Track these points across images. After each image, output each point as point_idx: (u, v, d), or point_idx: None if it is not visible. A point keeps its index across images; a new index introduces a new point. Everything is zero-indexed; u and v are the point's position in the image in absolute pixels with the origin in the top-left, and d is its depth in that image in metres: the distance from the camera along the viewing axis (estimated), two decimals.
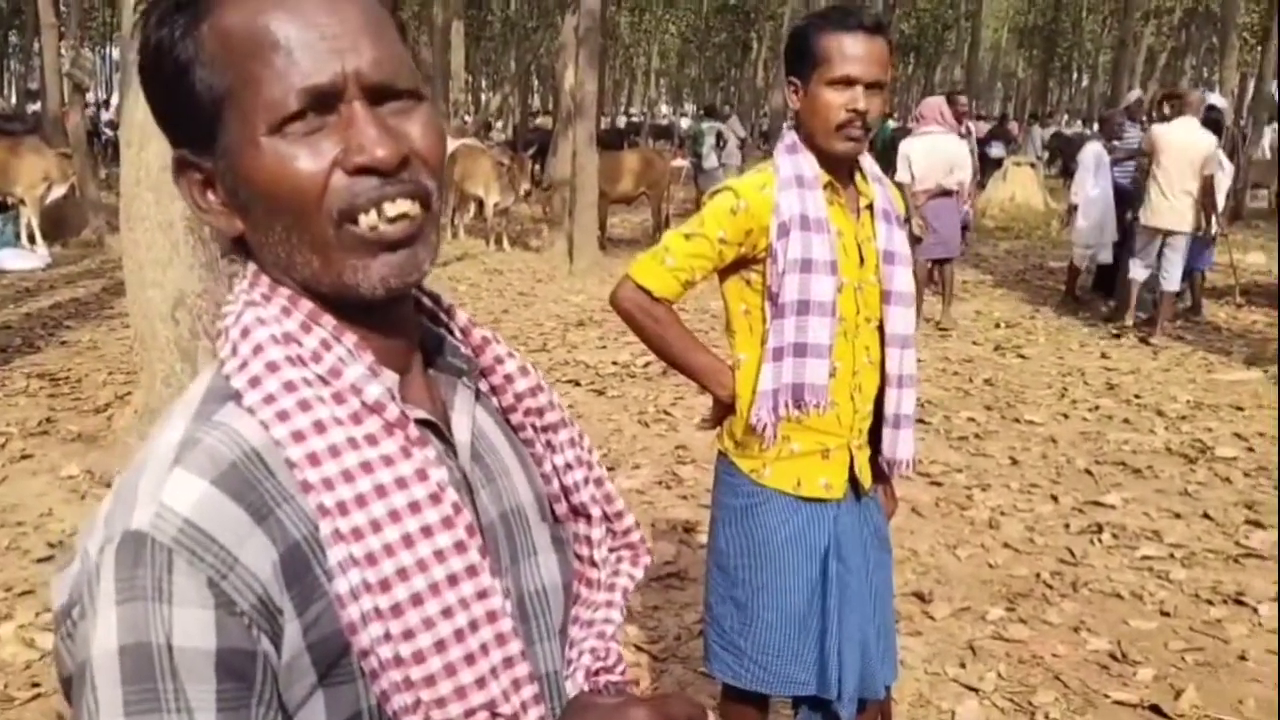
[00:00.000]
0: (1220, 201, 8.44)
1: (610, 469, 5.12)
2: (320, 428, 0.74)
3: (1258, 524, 4.59)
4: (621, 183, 12.96)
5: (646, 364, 6.91)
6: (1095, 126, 9.53)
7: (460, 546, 0.76)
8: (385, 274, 0.76)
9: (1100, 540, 4.39)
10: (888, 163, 20.58)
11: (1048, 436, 5.79)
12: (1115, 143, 9.40)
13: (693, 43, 44.48)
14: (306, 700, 0.72)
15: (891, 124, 21.74)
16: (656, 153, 16.48)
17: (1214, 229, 8.47)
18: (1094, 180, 9.12)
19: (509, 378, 0.92)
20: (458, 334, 0.90)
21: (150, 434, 0.78)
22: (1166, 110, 8.45)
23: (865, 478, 2.25)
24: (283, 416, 0.74)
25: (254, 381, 0.76)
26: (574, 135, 11.51)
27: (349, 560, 0.72)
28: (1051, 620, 3.70)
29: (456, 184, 13.11)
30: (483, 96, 34.34)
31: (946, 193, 8.06)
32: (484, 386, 0.92)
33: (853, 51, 2.04)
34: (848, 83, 2.04)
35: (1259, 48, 21.96)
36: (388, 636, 0.73)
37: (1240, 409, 6.39)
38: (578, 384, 6.70)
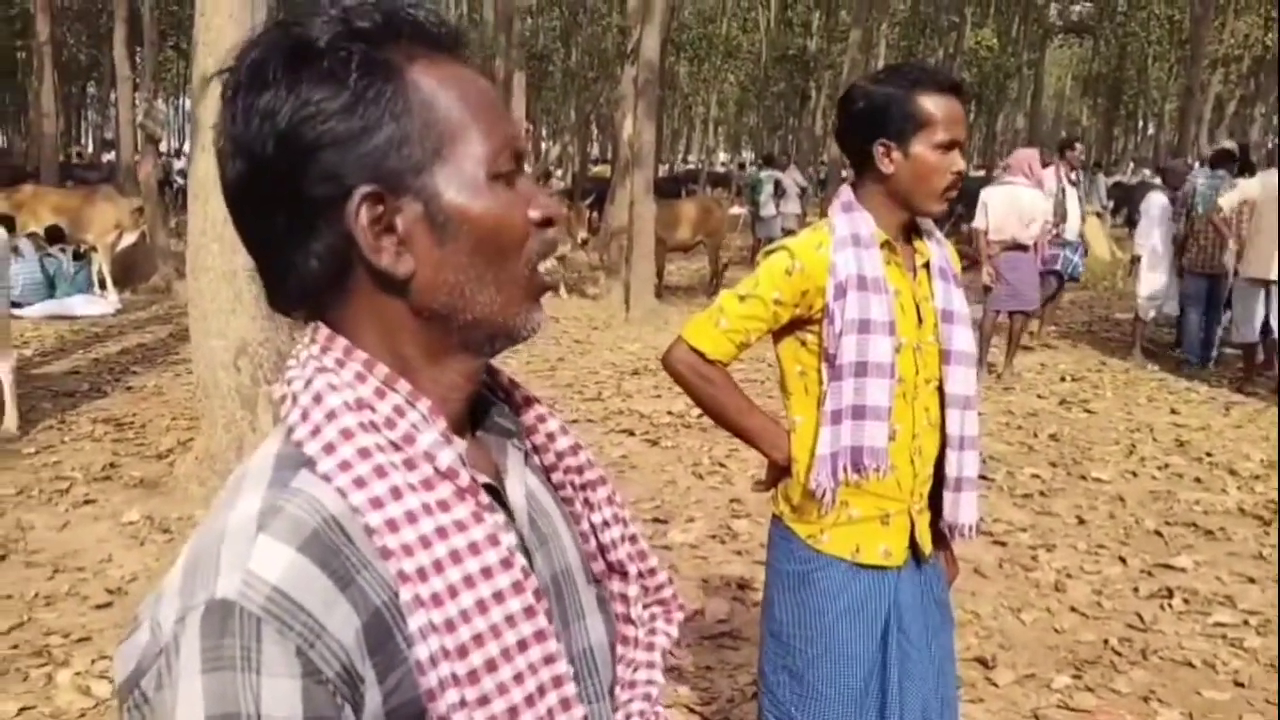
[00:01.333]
0: None
1: (663, 521, 5.07)
2: (396, 494, 0.76)
3: None
4: (679, 231, 12.99)
5: (701, 414, 6.84)
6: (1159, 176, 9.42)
7: (530, 611, 0.78)
8: (539, 320, 0.85)
9: (1171, 605, 4.24)
10: (949, 213, 20.31)
11: (1115, 495, 5.63)
12: (1178, 192, 9.23)
13: (751, 91, 44.68)
14: None
15: None
16: (715, 201, 16.54)
17: None
18: (1159, 231, 8.97)
19: (551, 436, 0.94)
20: (500, 393, 0.93)
21: (216, 505, 0.78)
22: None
23: (926, 543, 2.18)
24: (359, 483, 0.75)
25: (328, 448, 0.77)
26: (631, 184, 11.58)
27: (429, 627, 0.74)
28: (1120, 689, 3.56)
29: None
30: (543, 145, 34.80)
31: (1021, 246, 7.96)
32: (526, 445, 0.93)
33: (954, 114, 2.03)
34: (951, 146, 2.02)
35: None
36: (463, 703, 0.74)
37: None
38: (631, 434, 6.67)
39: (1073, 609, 4.19)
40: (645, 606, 0.98)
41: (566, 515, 0.93)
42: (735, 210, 17.90)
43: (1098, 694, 3.53)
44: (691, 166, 39.91)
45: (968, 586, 4.35)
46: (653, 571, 0.98)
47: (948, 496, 2.18)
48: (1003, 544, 4.87)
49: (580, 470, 0.95)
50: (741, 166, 32.28)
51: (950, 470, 2.16)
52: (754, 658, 2.95)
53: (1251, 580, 4.52)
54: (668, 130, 43.76)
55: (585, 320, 11.26)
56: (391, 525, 0.74)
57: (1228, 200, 8.35)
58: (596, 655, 0.90)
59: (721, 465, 5.98)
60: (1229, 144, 10.58)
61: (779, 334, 2.17)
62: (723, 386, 2.21)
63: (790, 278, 2.08)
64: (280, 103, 0.76)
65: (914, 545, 2.16)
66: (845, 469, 2.08)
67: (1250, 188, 8.25)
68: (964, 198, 8.70)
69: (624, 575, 0.96)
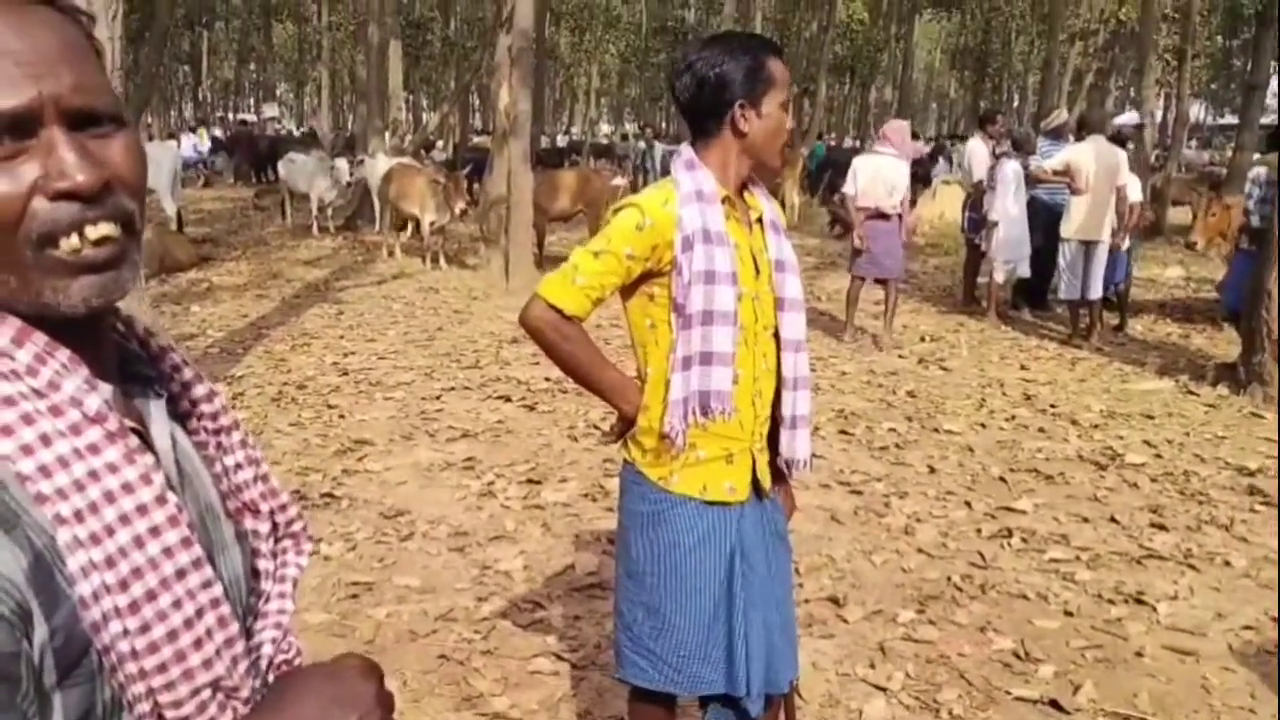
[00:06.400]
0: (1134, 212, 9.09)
1: (537, 482, 5.19)
2: (46, 440, 0.77)
3: (1161, 526, 4.79)
4: (558, 200, 13.04)
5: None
6: (1008, 145, 9.79)
7: (186, 542, 0.82)
8: (87, 294, 0.80)
9: (1010, 544, 4.55)
10: (820, 182, 20.74)
11: (965, 445, 5.97)
12: (1030, 159, 9.66)
13: (632, 63, 44.82)
14: (49, 698, 0.75)
15: (821, 146, 22.04)
16: (594, 171, 16.62)
17: (1128, 239, 9.03)
18: (1014, 198, 9.41)
19: (186, 385, 0.97)
20: (136, 344, 0.95)
21: None
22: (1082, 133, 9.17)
23: (766, 479, 2.34)
24: (7, 431, 0.76)
25: None
26: (509, 154, 11.58)
27: (90, 565, 0.76)
28: (960, 621, 3.83)
29: (392, 202, 13.11)
30: (424, 116, 34.27)
31: (883, 216, 8.30)
32: (164, 393, 0.96)
33: (788, 76, 2.27)
34: (788, 105, 2.25)
35: (1177, 69, 22.69)
36: (126, 632, 0.78)
37: (1151, 417, 6.63)
38: (509, 400, 6.75)
39: (920, 550, 4.47)
40: (278, 540, 1.02)
41: (203, 458, 0.97)
42: (617, 181, 17.98)
43: (939, 626, 3.79)
44: (575, 138, 39.81)
45: (825, 533, 4.60)
46: (284, 508, 1.02)
47: (784, 434, 2.35)
48: (859, 493, 5.14)
49: (214, 417, 0.98)
50: (624, 138, 32.36)
51: (786, 409, 2.34)
52: None
53: (1085, 519, 4.87)
54: (550, 101, 43.55)
55: (465, 291, 11.25)
56: (44, 471, 0.76)
57: (1050, 162, 9.09)
58: (240, 585, 0.95)
59: (596, 428, 6.11)
60: (1064, 115, 11.14)
61: (626, 291, 2.28)
62: (579, 342, 2.30)
63: (641, 233, 2.21)
64: None
65: (755, 482, 2.33)
66: (695, 411, 2.23)
67: (1075, 152, 8.83)
68: (839, 167, 9.04)
69: (256, 513, 0.99)
